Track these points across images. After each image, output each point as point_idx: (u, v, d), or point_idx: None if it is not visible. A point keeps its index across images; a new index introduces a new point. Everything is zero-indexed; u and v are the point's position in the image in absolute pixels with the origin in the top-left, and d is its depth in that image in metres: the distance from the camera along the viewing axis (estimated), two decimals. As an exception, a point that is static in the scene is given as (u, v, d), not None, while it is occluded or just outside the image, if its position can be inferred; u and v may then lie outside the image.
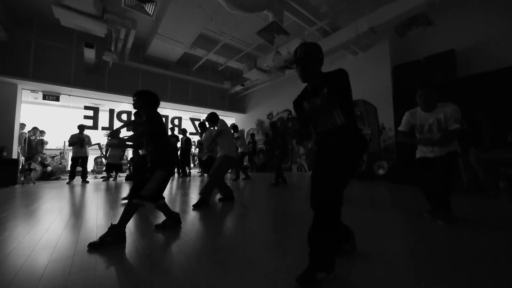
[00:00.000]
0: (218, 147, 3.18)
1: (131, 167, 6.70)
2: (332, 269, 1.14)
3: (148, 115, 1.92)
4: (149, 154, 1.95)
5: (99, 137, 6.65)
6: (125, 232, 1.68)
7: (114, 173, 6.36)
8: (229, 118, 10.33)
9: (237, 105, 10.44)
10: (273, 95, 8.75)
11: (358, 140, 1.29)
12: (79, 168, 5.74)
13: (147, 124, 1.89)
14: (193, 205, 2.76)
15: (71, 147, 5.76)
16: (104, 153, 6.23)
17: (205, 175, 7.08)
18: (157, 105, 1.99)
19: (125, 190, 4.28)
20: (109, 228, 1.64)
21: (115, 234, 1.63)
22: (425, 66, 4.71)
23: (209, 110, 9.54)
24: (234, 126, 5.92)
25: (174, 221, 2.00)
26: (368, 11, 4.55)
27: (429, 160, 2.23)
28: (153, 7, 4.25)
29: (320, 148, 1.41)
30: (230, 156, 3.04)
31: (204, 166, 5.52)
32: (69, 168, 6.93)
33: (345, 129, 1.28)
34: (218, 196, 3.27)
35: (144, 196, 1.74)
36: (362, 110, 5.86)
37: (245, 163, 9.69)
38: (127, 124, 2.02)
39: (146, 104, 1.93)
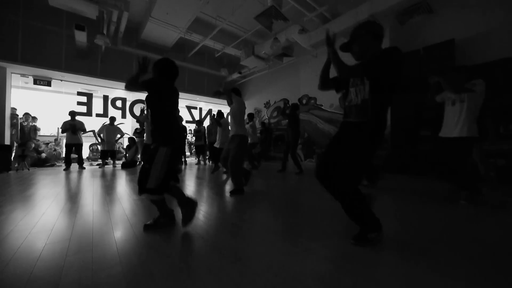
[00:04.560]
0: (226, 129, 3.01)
1: (127, 155, 6.69)
2: (379, 228, 1.36)
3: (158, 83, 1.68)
4: (152, 132, 1.69)
5: (93, 123, 6.56)
6: (174, 214, 1.74)
7: (110, 159, 6.36)
8: (226, 107, 10.22)
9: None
10: (270, 83, 8.63)
11: (371, 121, 1.30)
12: (74, 155, 5.74)
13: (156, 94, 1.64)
14: (230, 192, 2.75)
15: (65, 134, 5.73)
16: (99, 140, 6.19)
17: (207, 163, 7.12)
18: (172, 75, 1.75)
19: (121, 177, 4.29)
20: (159, 212, 1.68)
21: (167, 215, 1.69)
22: (424, 56, 4.66)
23: (206, 98, 9.46)
24: (250, 115, 5.80)
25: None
26: (369, -3, 4.43)
27: (450, 140, 2.36)
28: (146, -13, 4.07)
29: (342, 125, 1.49)
30: (243, 134, 2.85)
31: (214, 156, 5.19)
32: (64, 155, 6.91)
33: (363, 106, 1.32)
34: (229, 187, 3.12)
35: (150, 189, 1.53)
36: (359, 100, 5.85)
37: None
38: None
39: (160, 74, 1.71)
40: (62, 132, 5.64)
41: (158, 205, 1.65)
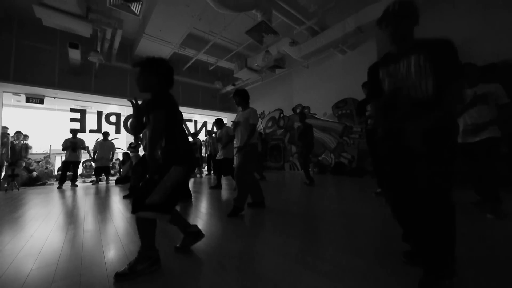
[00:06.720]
0: (236, 140, 2.82)
1: (121, 170, 6.58)
2: (454, 274, 1.00)
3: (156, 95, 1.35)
4: (160, 147, 1.38)
5: (87, 140, 6.48)
6: (158, 255, 1.32)
7: (104, 176, 6.25)
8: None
9: (228, 105, 10.39)
10: (264, 94, 8.77)
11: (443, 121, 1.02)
12: (68, 173, 5.65)
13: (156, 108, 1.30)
14: (228, 214, 2.36)
15: (61, 152, 5.69)
16: (92, 156, 6.10)
17: (204, 175, 7.03)
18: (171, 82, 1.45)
19: (115, 193, 4.19)
20: (138, 253, 1.28)
21: (147, 260, 1.27)
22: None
23: (201, 111, 9.50)
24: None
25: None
26: (354, 10, 4.63)
27: (472, 145, 2.15)
28: (140, 6, 4.17)
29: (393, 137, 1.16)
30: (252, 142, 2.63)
31: (219, 168, 4.59)
32: (56, 173, 6.75)
33: (429, 105, 1.04)
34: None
35: (152, 206, 1.23)
36: (351, 108, 5.97)
37: None
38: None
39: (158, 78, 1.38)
40: (63, 149, 5.63)
41: (145, 233, 1.29)
